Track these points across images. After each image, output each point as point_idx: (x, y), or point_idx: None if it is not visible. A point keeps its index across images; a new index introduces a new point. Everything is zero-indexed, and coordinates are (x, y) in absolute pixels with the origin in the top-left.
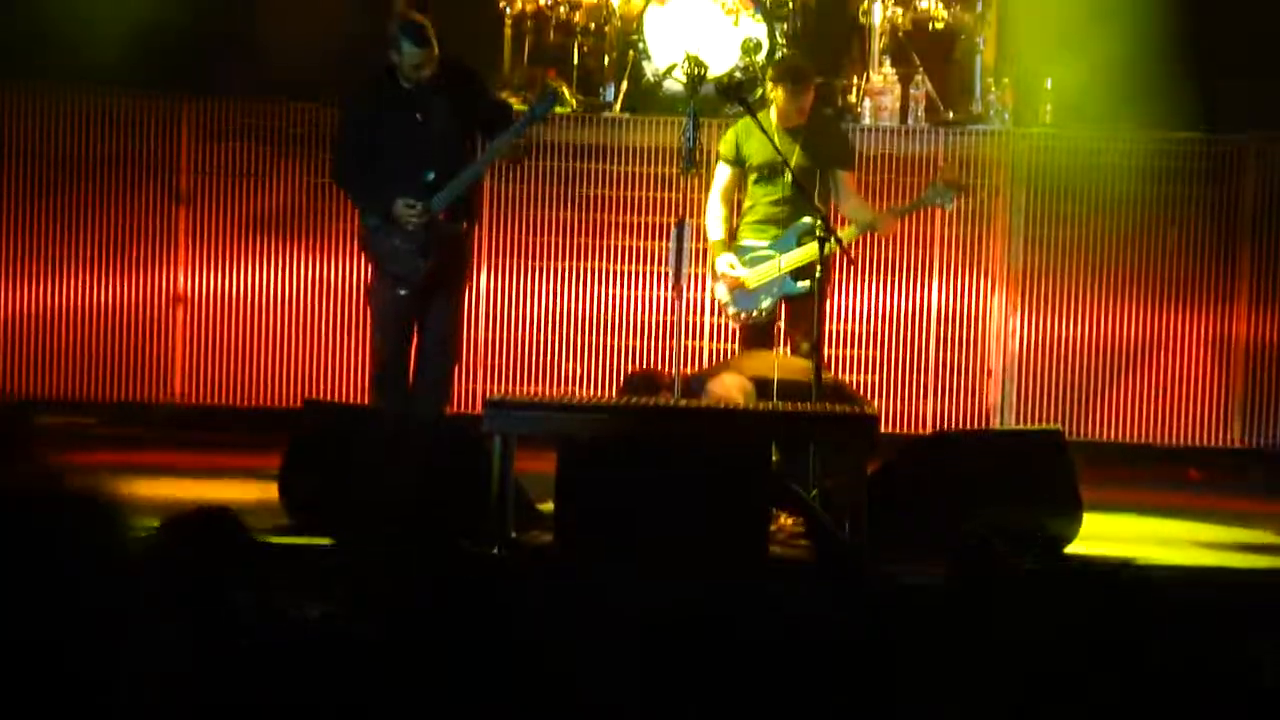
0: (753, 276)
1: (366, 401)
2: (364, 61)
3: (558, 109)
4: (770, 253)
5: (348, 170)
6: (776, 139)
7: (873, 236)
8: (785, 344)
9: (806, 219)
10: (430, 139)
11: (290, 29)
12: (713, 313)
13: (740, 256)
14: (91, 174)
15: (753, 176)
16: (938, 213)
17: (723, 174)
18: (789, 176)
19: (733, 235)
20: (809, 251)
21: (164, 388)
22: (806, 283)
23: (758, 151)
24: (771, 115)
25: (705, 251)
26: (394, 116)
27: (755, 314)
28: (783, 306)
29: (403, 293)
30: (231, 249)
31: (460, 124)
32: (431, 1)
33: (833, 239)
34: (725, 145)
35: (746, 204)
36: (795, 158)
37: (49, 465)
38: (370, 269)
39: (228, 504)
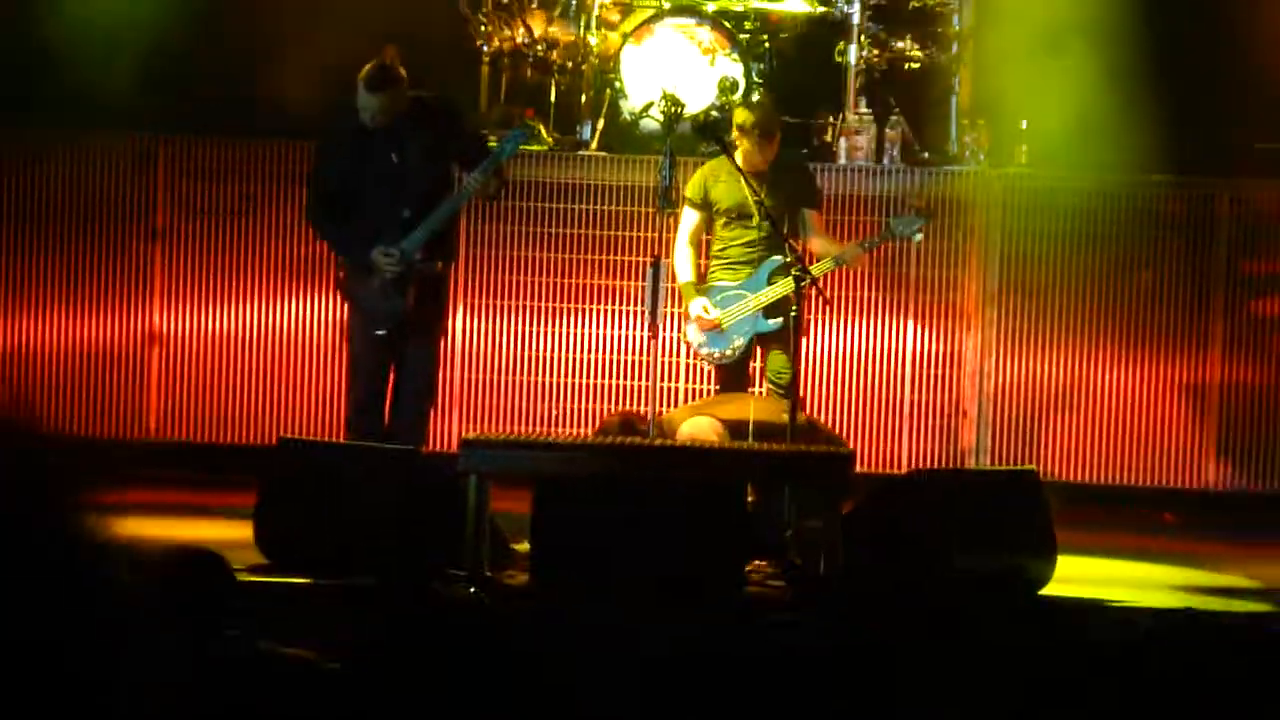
0: (725, 317)
1: (342, 440)
2: (345, 101)
3: (534, 146)
4: (742, 292)
5: (321, 216)
6: (742, 180)
7: (847, 276)
8: (760, 382)
9: (777, 257)
10: (406, 178)
11: (271, 68)
12: (688, 353)
13: (712, 297)
14: (67, 212)
15: (721, 220)
16: (913, 253)
17: (690, 218)
18: (759, 219)
19: (702, 276)
20: (781, 289)
21: (138, 425)
22: (779, 320)
23: (726, 195)
24: (738, 159)
25: (678, 293)
26: (368, 157)
27: (728, 354)
28: (756, 345)
29: (380, 333)
30: (207, 287)
31: (436, 162)
32: (408, 40)
33: (807, 276)
34: (692, 189)
35: (716, 246)
36: (763, 198)
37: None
38: (347, 309)
39: (203, 542)
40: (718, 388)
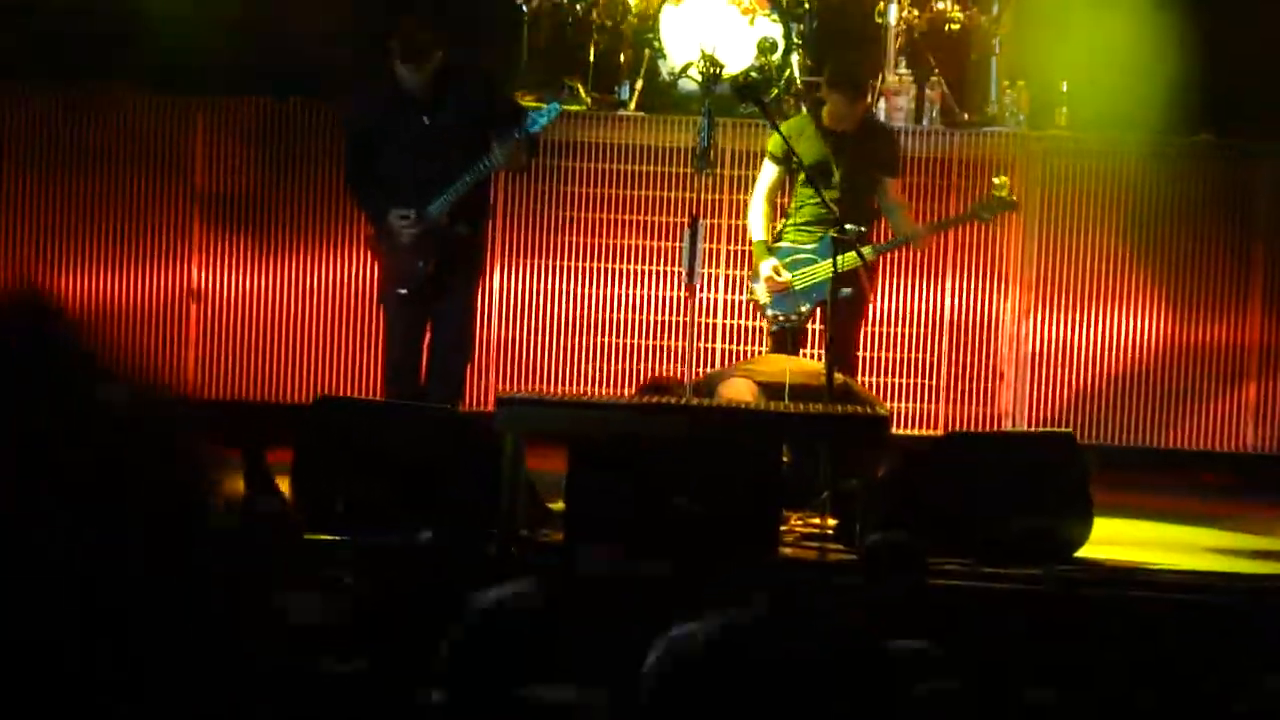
0: (795, 280)
1: (379, 398)
2: (379, 61)
3: (573, 106)
4: (813, 256)
5: (357, 178)
6: (825, 140)
7: (885, 231)
8: (818, 345)
9: (851, 225)
10: (437, 141)
11: (308, 26)
12: (726, 314)
13: (781, 258)
14: (107, 171)
15: (801, 177)
16: (951, 214)
17: (769, 172)
18: (838, 179)
19: (775, 235)
20: (850, 258)
21: (177, 383)
22: (848, 290)
23: (808, 152)
24: (823, 115)
25: (721, 251)
26: (402, 120)
27: (793, 318)
28: (819, 312)
29: (402, 291)
30: (246, 246)
31: (469, 126)
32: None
33: (855, 251)
34: (774, 143)
35: (793, 205)
36: (844, 161)
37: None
38: (378, 268)
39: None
40: (767, 349)
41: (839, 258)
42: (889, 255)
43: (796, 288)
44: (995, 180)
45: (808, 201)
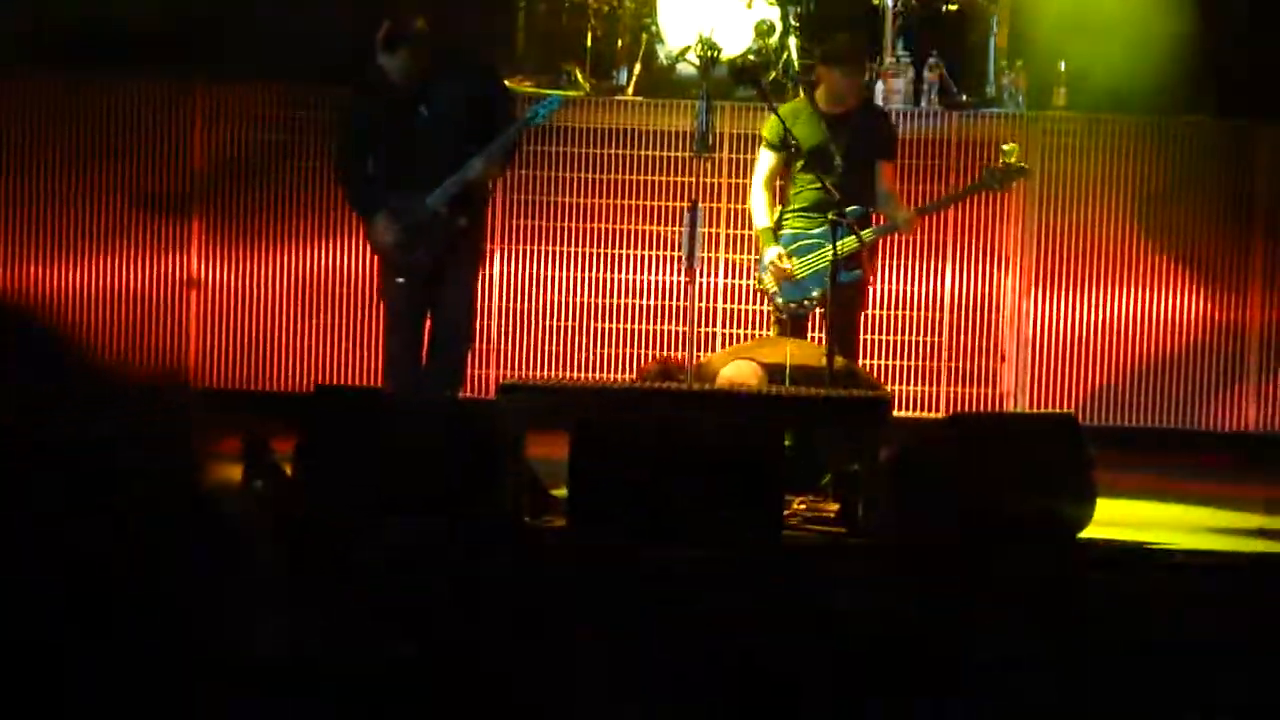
0: (801, 266)
1: (379, 386)
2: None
3: (571, 92)
4: (819, 241)
5: (347, 171)
6: (822, 123)
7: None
8: (824, 330)
9: (855, 207)
10: (437, 132)
11: (307, 10)
12: (726, 298)
13: (786, 246)
14: (105, 159)
15: (799, 163)
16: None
17: (766, 159)
18: (837, 163)
19: (776, 222)
20: (850, 241)
21: (177, 370)
22: (856, 272)
23: (805, 137)
24: (818, 98)
25: (720, 235)
26: (397, 110)
27: (804, 304)
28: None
29: (400, 280)
30: (245, 234)
31: (467, 117)
32: None
33: (853, 235)
34: (770, 130)
35: (792, 190)
36: (843, 143)
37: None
38: (379, 259)
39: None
40: (773, 335)
41: (839, 242)
42: (889, 238)
43: (800, 276)
44: (1004, 147)
45: (807, 187)
